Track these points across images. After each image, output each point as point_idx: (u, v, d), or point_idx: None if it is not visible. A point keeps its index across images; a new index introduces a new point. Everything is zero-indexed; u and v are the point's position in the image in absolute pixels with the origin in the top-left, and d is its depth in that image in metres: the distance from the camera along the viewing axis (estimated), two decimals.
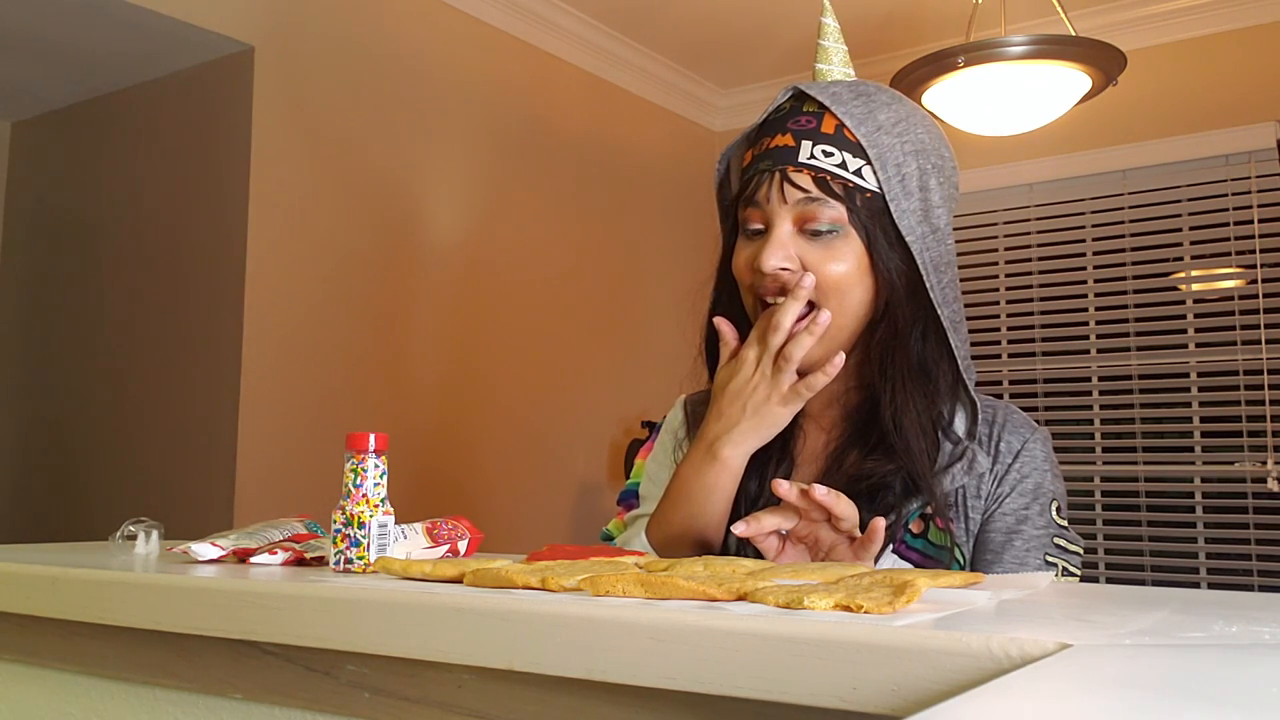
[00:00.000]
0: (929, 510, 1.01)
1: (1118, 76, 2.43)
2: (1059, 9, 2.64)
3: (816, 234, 1.02)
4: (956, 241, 1.10)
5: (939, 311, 1.03)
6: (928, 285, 1.03)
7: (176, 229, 2.77)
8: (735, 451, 1.01)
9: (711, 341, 1.15)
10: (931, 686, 0.49)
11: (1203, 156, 3.33)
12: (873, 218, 1.02)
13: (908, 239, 1.02)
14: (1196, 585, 3.28)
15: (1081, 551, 1.06)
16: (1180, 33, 3.37)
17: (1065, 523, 1.05)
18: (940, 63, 2.39)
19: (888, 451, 1.02)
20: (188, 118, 2.79)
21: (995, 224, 3.67)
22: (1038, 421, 1.11)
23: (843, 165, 1.02)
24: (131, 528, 1.13)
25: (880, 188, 1.02)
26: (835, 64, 1.13)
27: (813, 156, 1.02)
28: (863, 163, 1.02)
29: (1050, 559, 1.02)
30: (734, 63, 3.87)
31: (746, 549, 1.08)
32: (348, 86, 2.83)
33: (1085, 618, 0.60)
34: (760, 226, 1.05)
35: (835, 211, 1.01)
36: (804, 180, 1.02)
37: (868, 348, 1.06)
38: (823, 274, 1.02)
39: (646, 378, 3.63)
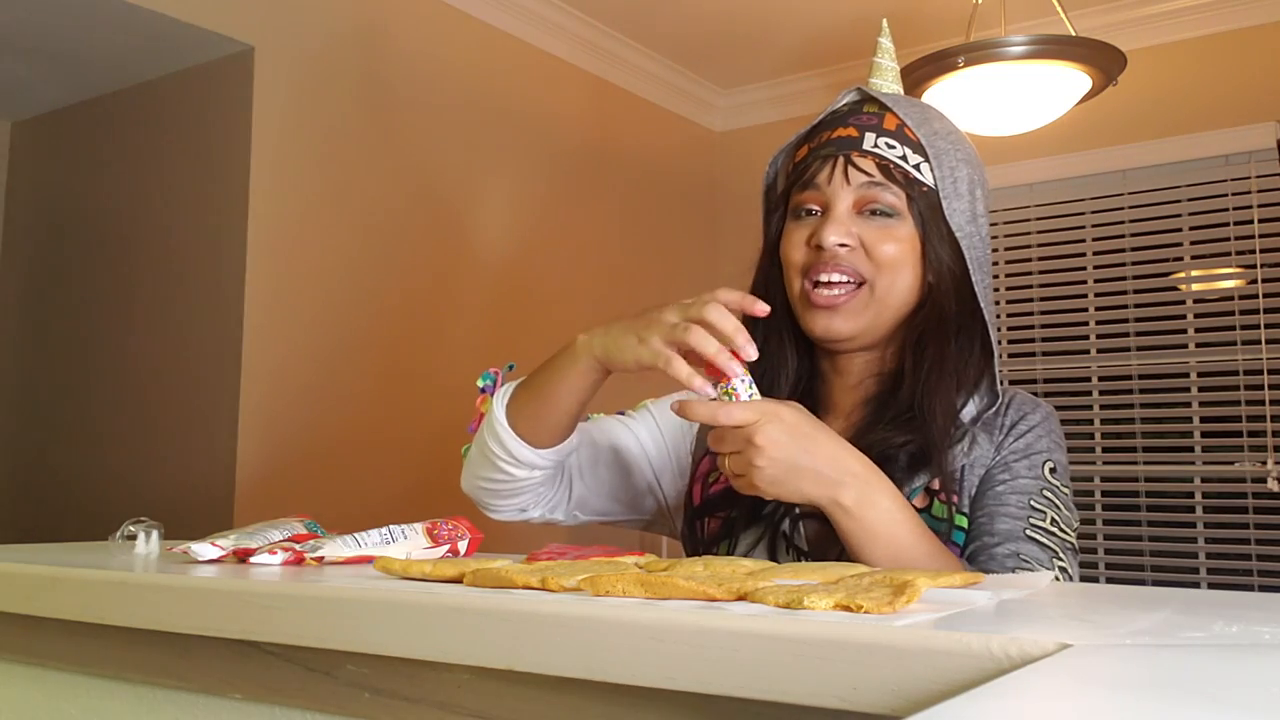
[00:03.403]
0: (934, 486, 1.03)
1: (1118, 76, 2.43)
2: (1059, 9, 2.64)
3: (874, 214, 1.06)
4: None
5: (981, 307, 1.08)
6: (974, 280, 1.08)
7: (176, 229, 2.77)
8: (587, 341, 1.01)
9: (747, 330, 1.16)
10: (931, 686, 0.49)
11: (1203, 156, 3.33)
12: (929, 209, 1.07)
13: (957, 235, 1.07)
14: (1196, 585, 3.28)
15: (1076, 520, 1.05)
16: (1180, 33, 3.37)
17: (1060, 485, 1.04)
18: (940, 63, 2.39)
19: (900, 428, 1.04)
20: (188, 118, 2.79)
21: (995, 224, 3.66)
22: None
23: (904, 158, 1.07)
24: (131, 528, 1.13)
25: (935, 184, 1.07)
26: (888, 80, 1.18)
27: (876, 145, 1.07)
28: (921, 159, 1.07)
29: (1035, 505, 1.01)
30: (734, 63, 3.87)
31: (715, 545, 1.09)
32: (348, 86, 2.83)
33: (1085, 618, 0.60)
34: (816, 208, 1.08)
35: (895, 198, 1.06)
36: (868, 165, 1.07)
37: (906, 333, 1.09)
38: (878, 251, 1.06)
39: (647, 377, 3.62)
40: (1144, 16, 3.36)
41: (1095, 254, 3.52)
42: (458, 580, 0.75)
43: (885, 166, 1.06)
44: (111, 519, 1.26)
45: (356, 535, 0.95)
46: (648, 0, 3.38)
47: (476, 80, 3.19)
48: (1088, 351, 3.52)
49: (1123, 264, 3.47)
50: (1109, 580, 3.39)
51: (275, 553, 0.94)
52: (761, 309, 0.93)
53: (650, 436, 1.20)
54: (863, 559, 0.92)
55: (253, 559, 0.95)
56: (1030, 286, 3.61)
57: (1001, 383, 1.10)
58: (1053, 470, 1.05)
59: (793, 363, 1.14)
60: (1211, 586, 3.27)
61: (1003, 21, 2.77)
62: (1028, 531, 1.00)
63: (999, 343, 1.13)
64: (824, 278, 1.06)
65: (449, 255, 3.09)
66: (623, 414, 1.24)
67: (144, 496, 2.70)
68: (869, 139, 1.07)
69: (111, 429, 2.87)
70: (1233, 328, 3.29)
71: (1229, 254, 3.33)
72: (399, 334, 2.93)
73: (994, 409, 1.08)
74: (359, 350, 2.81)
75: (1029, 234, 3.62)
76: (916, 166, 1.06)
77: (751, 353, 0.91)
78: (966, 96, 2.47)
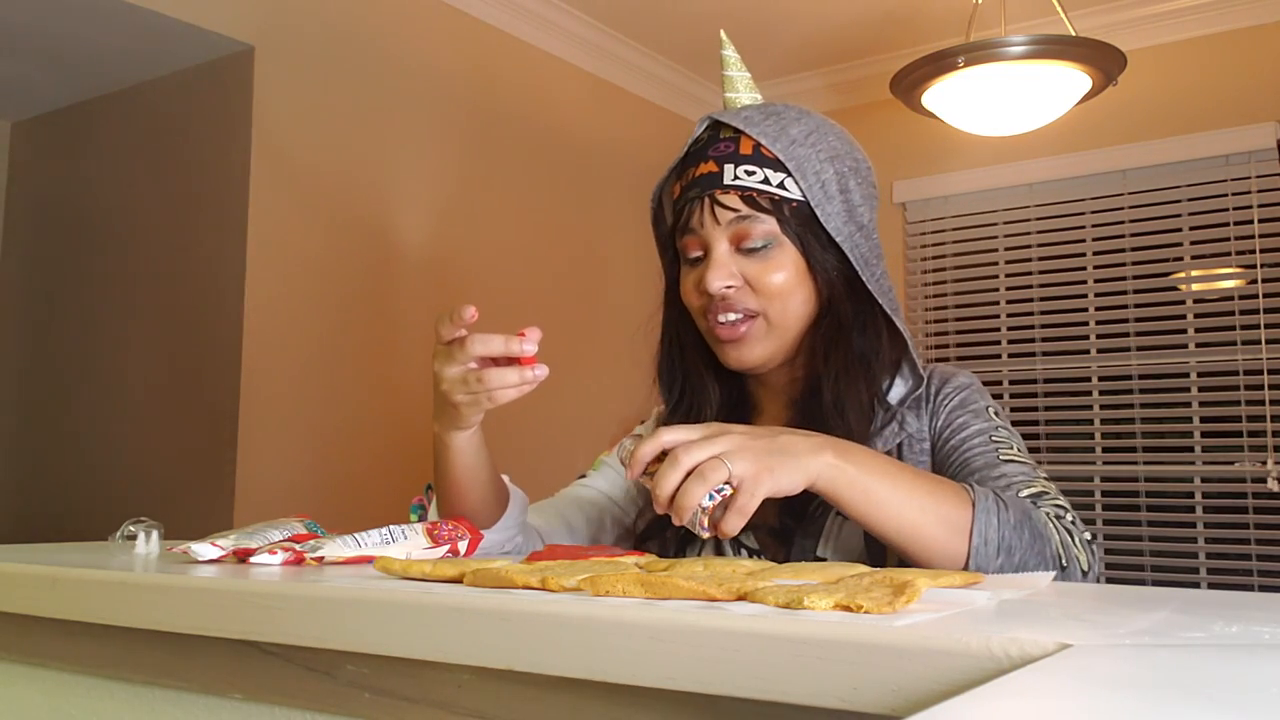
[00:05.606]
0: None
1: (1118, 76, 2.43)
2: (1059, 9, 2.64)
3: (752, 250, 1.08)
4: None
5: (879, 301, 1.10)
6: (864, 279, 1.09)
7: (176, 229, 2.77)
8: (441, 431, 1.09)
9: (665, 370, 1.22)
10: (931, 686, 0.49)
11: (1203, 156, 3.33)
12: (802, 224, 1.08)
13: (837, 239, 1.08)
14: (1196, 585, 3.28)
15: (1025, 445, 1.09)
16: (1180, 33, 3.37)
17: (1006, 425, 1.10)
18: (940, 63, 2.39)
19: (823, 426, 1.05)
20: (188, 118, 2.79)
21: (995, 224, 3.66)
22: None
23: (765, 181, 1.07)
24: (131, 528, 1.13)
25: (804, 195, 1.07)
26: (742, 90, 1.19)
27: (736, 177, 1.08)
28: (784, 175, 1.08)
29: (996, 439, 1.06)
30: None
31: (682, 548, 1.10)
32: (348, 86, 2.83)
33: (1085, 618, 0.60)
34: (699, 253, 1.11)
35: (767, 225, 1.07)
36: (732, 200, 1.08)
37: (813, 342, 1.12)
38: (763, 285, 1.08)
39: (647, 376, 3.62)
40: (1144, 16, 3.36)
41: (1095, 254, 3.52)
42: (458, 580, 0.75)
43: (749, 196, 1.07)
44: (111, 519, 1.26)
45: (356, 535, 0.95)
46: (648, 0, 3.38)
47: (476, 80, 3.19)
48: (1088, 351, 3.52)
49: (1123, 264, 3.47)
50: (1109, 580, 3.38)
51: (275, 553, 0.94)
52: (471, 313, 0.97)
53: (609, 483, 1.28)
54: (874, 507, 0.87)
55: (253, 559, 0.95)
56: (1030, 286, 3.61)
57: (995, 385, 1.12)
58: (995, 413, 1.10)
59: (714, 391, 1.19)
60: (1211, 586, 3.27)
61: (1003, 21, 2.77)
62: (1001, 457, 1.04)
63: (905, 326, 1.17)
64: (720, 319, 1.10)
65: (450, 254, 3.09)
66: (583, 476, 1.32)
67: (144, 496, 2.70)
68: (729, 172, 1.08)
69: (111, 429, 2.87)
70: (1233, 328, 3.29)
71: (1229, 254, 3.33)
72: (402, 333, 2.93)
73: (919, 389, 1.12)
74: (361, 349, 2.81)
75: (1029, 234, 3.62)
76: (780, 184, 1.07)
77: (531, 347, 0.99)
78: (966, 96, 2.48)
